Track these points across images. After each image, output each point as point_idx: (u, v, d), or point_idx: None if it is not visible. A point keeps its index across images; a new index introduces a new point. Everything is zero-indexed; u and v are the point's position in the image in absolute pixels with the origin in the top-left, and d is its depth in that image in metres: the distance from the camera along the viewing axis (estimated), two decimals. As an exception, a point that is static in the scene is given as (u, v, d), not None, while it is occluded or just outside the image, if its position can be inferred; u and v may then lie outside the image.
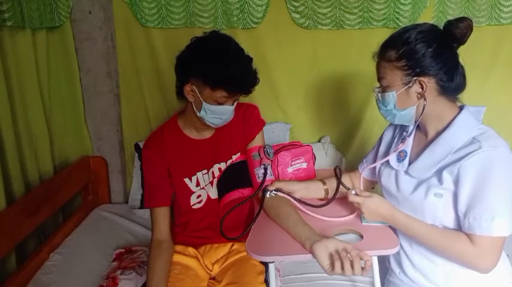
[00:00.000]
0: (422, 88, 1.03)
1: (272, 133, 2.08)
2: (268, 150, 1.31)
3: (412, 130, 1.13)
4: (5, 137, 1.49)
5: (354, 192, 1.10)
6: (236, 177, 1.34)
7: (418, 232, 1.04)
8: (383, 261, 1.28)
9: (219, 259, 1.35)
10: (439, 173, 1.02)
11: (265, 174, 1.27)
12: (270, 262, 1.11)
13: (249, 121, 1.35)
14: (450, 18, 1.04)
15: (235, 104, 1.22)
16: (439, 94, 1.04)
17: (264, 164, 1.29)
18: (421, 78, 1.01)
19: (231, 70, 1.11)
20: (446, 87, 1.03)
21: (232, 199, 1.32)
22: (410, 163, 1.11)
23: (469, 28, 1.01)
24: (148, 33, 1.96)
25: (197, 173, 1.33)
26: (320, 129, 2.22)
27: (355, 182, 1.36)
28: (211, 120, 1.21)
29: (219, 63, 1.12)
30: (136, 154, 2.08)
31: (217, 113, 1.19)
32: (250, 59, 1.19)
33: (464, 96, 1.08)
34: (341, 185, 1.25)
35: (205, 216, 1.35)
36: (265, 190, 1.22)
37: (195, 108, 1.21)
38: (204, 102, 1.17)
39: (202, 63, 1.13)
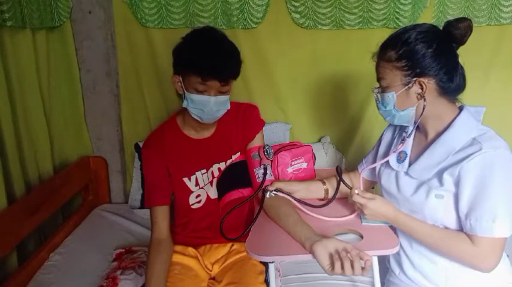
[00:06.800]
0: (422, 89, 1.02)
1: (272, 133, 2.07)
2: (268, 150, 1.31)
3: (412, 131, 1.13)
4: (5, 137, 1.50)
5: (357, 191, 1.09)
6: (236, 177, 1.34)
7: (420, 233, 1.04)
8: (383, 261, 1.28)
9: (218, 259, 1.35)
10: (439, 175, 1.02)
11: (265, 174, 1.27)
12: (270, 262, 1.11)
13: (248, 121, 1.35)
14: (450, 18, 1.03)
15: (226, 99, 1.21)
16: (439, 95, 1.04)
17: (264, 164, 1.29)
18: (421, 79, 1.01)
19: (203, 54, 1.13)
20: (446, 88, 1.03)
21: (232, 199, 1.32)
22: (410, 164, 1.11)
23: (469, 29, 1.01)
24: (148, 33, 1.96)
25: (196, 173, 1.33)
26: (320, 129, 2.22)
27: (355, 182, 1.35)
28: (195, 112, 1.20)
29: (194, 49, 1.15)
30: (136, 154, 2.08)
31: (198, 103, 1.17)
32: (233, 49, 1.19)
33: (464, 96, 1.08)
34: (343, 185, 1.25)
35: (204, 216, 1.35)
36: (265, 190, 1.22)
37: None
38: (186, 91, 1.18)
39: (182, 50, 1.18)
